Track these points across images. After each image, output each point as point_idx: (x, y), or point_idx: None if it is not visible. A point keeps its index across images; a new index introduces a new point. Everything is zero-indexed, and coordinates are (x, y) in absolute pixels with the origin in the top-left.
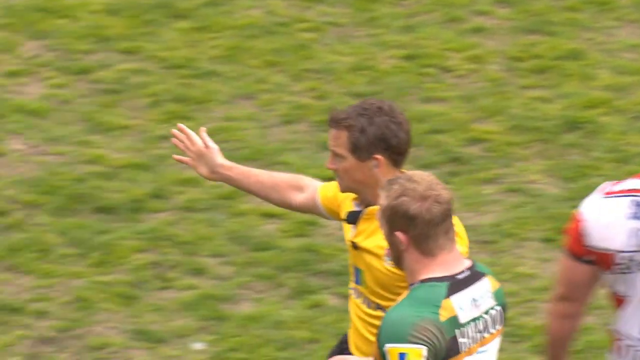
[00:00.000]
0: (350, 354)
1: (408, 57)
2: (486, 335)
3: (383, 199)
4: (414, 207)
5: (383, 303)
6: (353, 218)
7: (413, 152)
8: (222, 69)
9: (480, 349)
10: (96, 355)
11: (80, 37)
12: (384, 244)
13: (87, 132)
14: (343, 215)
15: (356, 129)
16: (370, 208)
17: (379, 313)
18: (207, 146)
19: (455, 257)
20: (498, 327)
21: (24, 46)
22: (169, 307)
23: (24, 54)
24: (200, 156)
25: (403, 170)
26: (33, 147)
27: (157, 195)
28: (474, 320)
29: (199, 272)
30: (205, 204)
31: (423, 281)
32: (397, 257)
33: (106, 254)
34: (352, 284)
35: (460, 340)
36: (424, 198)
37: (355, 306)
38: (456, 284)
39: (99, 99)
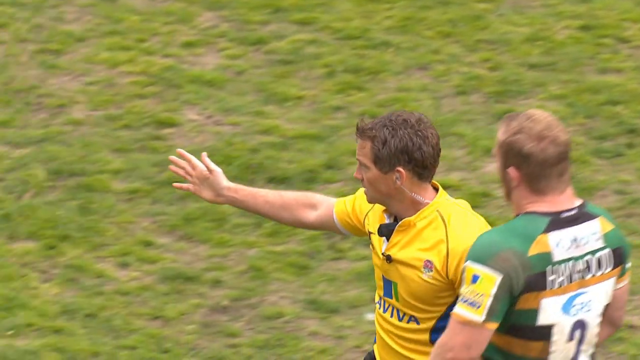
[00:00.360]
0: None
1: (584, 28)
2: (588, 276)
3: (500, 134)
4: (529, 145)
5: (418, 315)
6: (387, 231)
7: (588, 123)
8: (396, 39)
9: (579, 290)
10: (270, 325)
11: (255, 7)
12: (421, 255)
13: (262, 102)
14: (371, 228)
15: (379, 141)
16: (405, 220)
17: (412, 325)
18: (210, 170)
19: (566, 198)
20: (606, 270)
21: (201, 17)
22: (342, 278)
23: (200, 24)
24: (203, 180)
25: (434, 182)
26: (208, 117)
27: (330, 166)
28: (572, 259)
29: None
30: None
31: (526, 213)
32: (507, 192)
33: (280, 224)
34: (378, 297)
35: (550, 277)
36: (540, 138)
37: (383, 320)
38: (558, 221)
39: (273, 69)
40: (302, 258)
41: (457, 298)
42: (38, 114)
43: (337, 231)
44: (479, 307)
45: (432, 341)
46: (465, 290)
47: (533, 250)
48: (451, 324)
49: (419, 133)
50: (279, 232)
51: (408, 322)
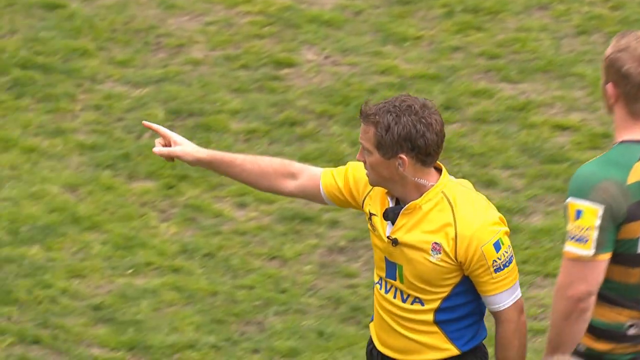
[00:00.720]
0: (379, 353)
1: None
2: None
3: (608, 48)
4: (629, 65)
5: (423, 297)
6: (393, 214)
7: None
8: None
9: None
10: None
11: None
12: (428, 237)
13: (380, 42)
14: (373, 209)
15: (382, 127)
16: (412, 203)
17: (416, 307)
18: (173, 142)
19: None
20: None
21: None
22: None
23: None
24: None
25: (437, 163)
26: (326, 57)
27: (448, 107)
28: None
29: (490, 183)
30: (497, 115)
31: (621, 142)
32: (608, 108)
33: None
34: (377, 278)
35: None
36: None
37: (385, 300)
38: None
39: (391, 9)
40: None
41: (462, 277)
42: (157, 53)
43: (320, 201)
44: (586, 241)
45: (436, 321)
46: (570, 227)
47: (632, 179)
48: (564, 263)
49: (423, 120)
50: None
51: (412, 303)
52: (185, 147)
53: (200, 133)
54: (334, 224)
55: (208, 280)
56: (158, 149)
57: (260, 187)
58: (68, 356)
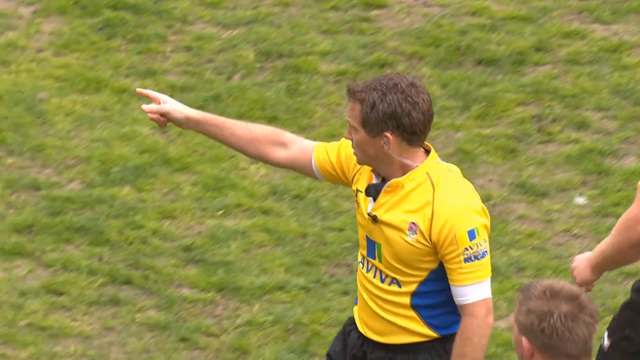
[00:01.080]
0: (360, 335)
1: None
2: None
3: None
4: None
5: (401, 278)
6: (375, 191)
7: None
8: None
9: None
10: None
11: None
12: (407, 217)
13: None
14: (359, 186)
15: (367, 104)
16: (393, 180)
17: (393, 288)
18: (162, 102)
19: None
20: None
21: None
22: (551, 161)
23: None
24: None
25: (426, 144)
26: None
27: (540, 48)
28: None
29: (582, 125)
30: (590, 56)
31: None
32: None
33: (488, 106)
34: (361, 257)
35: None
36: None
37: (366, 280)
38: None
39: None
40: (510, 141)
41: (440, 263)
42: None
43: (309, 175)
44: None
45: (413, 305)
46: None
47: None
48: (638, 196)
49: (409, 99)
50: (488, 114)
51: (390, 284)
52: (174, 104)
53: (289, 75)
54: None
55: (297, 222)
56: (147, 106)
57: (248, 153)
58: (158, 296)
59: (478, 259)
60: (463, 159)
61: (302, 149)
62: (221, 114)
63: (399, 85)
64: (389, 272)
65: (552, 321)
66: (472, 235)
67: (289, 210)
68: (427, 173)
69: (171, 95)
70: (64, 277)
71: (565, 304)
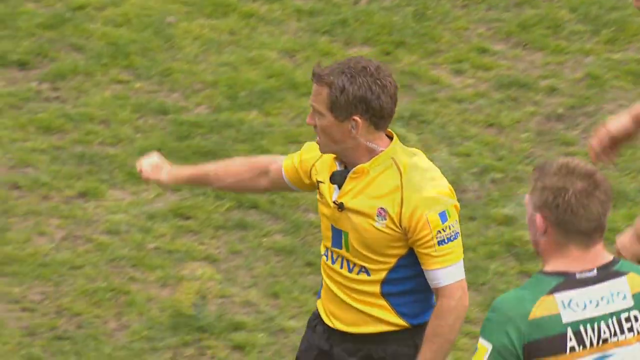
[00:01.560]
0: (326, 329)
1: None
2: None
3: None
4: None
5: (369, 266)
6: (340, 178)
7: None
8: None
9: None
10: None
11: None
12: (374, 203)
13: None
14: (320, 177)
15: (336, 87)
16: (359, 166)
17: (362, 277)
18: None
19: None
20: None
21: None
22: None
23: None
24: (155, 167)
25: (389, 131)
26: None
27: None
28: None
29: None
30: None
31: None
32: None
33: (618, 30)
34: (324, 249)
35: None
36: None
37: (332, 271)
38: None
39: None
40: None
41: (409, 250)
42: None
43: (288, 189)
44: None
45: (383, 294)
46: None
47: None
48: None
49: (378, 82)
50: (618, 39)
51: (358, 273)
52: (170, 175)
53: None
54: (552, 91)
55: (425, 147)
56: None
57: (240, 192)
58: (285, 221)
59: (452, 241)
60: (592, 84)
61: (277, 169)
62: (348, 38)
63: (368, 69)
64: (357, 261)
65: (566, 197)
66: (443, 217)
67: (416, 135)
68: (392, 158)
69: (298, 20)
70: (191, 202)
71: (580, 181)
